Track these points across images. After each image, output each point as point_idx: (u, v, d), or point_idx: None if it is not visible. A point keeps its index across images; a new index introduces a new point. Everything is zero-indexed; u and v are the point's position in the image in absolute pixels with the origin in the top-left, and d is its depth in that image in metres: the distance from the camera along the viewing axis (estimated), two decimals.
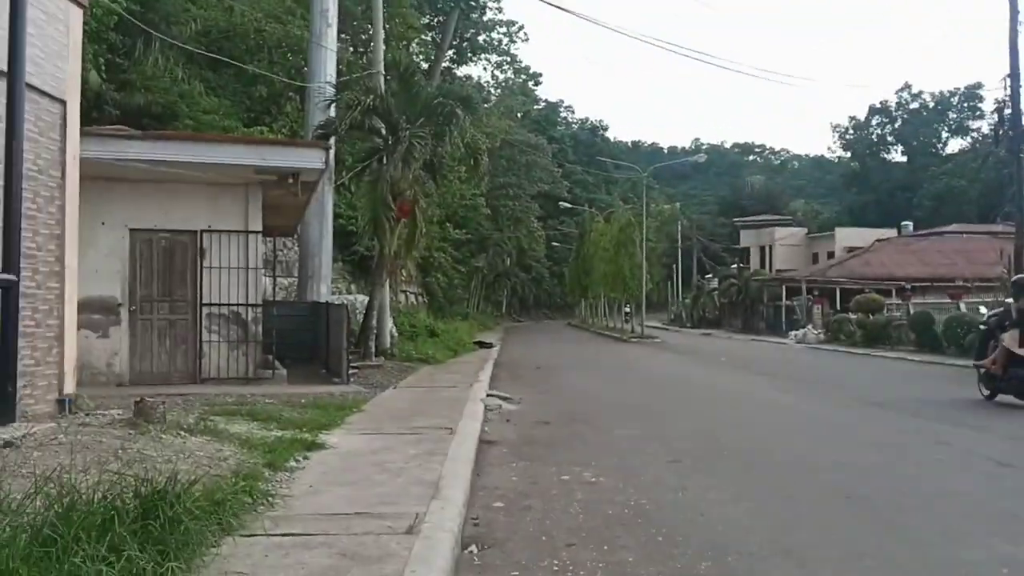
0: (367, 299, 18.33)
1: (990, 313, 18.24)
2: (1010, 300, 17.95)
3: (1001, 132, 24.49)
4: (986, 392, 12.81)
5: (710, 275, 65.66)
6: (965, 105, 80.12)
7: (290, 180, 12.47)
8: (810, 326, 34.81)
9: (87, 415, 7.82)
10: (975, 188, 66.57)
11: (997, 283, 24.39)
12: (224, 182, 12.56)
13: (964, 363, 19.39)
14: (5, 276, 6.63)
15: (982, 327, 17.77)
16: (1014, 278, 17.73)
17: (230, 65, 22.99)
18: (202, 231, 12.54)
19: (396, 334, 20.79)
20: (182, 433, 6.80)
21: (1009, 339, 12.45)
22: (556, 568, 4.68)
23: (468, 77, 55.67)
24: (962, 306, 24.76)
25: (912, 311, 27.35)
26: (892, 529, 5.53)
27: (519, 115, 67.98)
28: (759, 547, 5.07)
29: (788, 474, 7.42)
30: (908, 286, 36.53)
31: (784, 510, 6.03)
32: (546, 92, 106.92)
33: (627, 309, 40.01)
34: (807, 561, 4.81)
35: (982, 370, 13.04)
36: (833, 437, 9.63)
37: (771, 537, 5.28)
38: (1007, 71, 23.14)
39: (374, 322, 17.71)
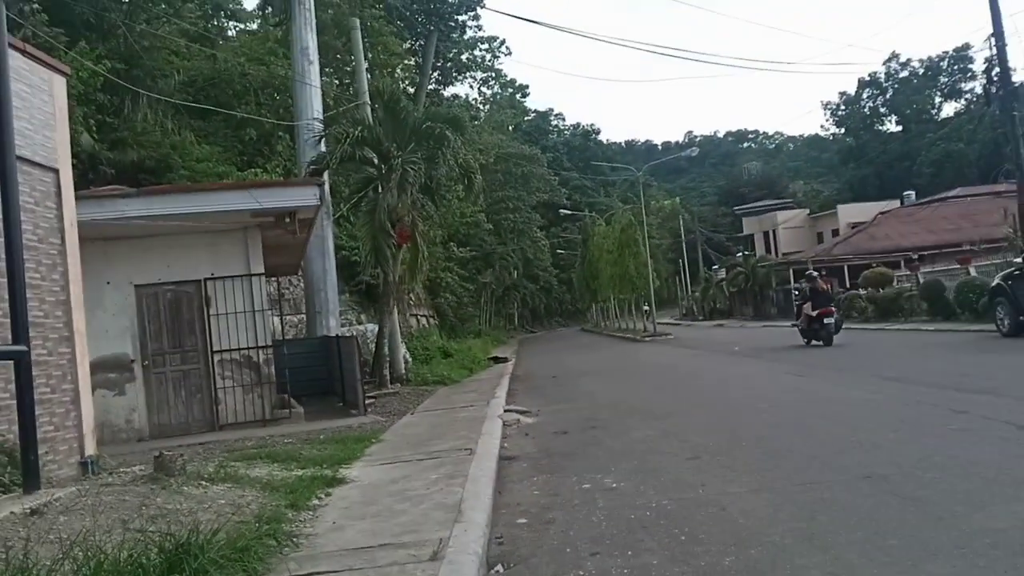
0: (377, 328, 18.42)
1: (1001, 274, 18.30)
2: (1019, 259, 18.05)
3: (992, 92, 24.46)
4: (803, 341, 21.36)
5: (716, 266, 65.64)
6: (955, 68, 79.84)
7: (287, 219, 12.58)
8: None
9: (110, 474, 7.90)
10: (973, 150, 66.35)
11: (1005, 243, 24.34)
12: (222, 228, 12.70)
13: (979, 328, 19.40)
14: (15, 348, 6.73)
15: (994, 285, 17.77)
16: (807, 273, 23.85)
17: (218, 112, 23.22)
18: (205, 279, 12.67)
19: (410, 359, 20.88)
20: (203, 483, 6.86)
21: (807, 308, 21.22)
22: None
23: (455, 97, 56.04)
24: (972, 270, 24.66)
25: (922, 280, 27.27)
26: (914, 504, 5.55)
27: (510, 128, 68.36)
28: (782, 536, 5.10)
29: (807, 460, 7.43)
30: (915, 256, 36.43)
31: (805, 496, 6.05)
32: (535, 102, 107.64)
33: (646, 308, 39.94)
34: (831, 546, 4.83)
35: (798, 327, 21.75)
36: (850, 417, 9.62)
37: (793, 525, 5.31)
38: (992, 30, 23.19)
39: (386, 350, 17.80)
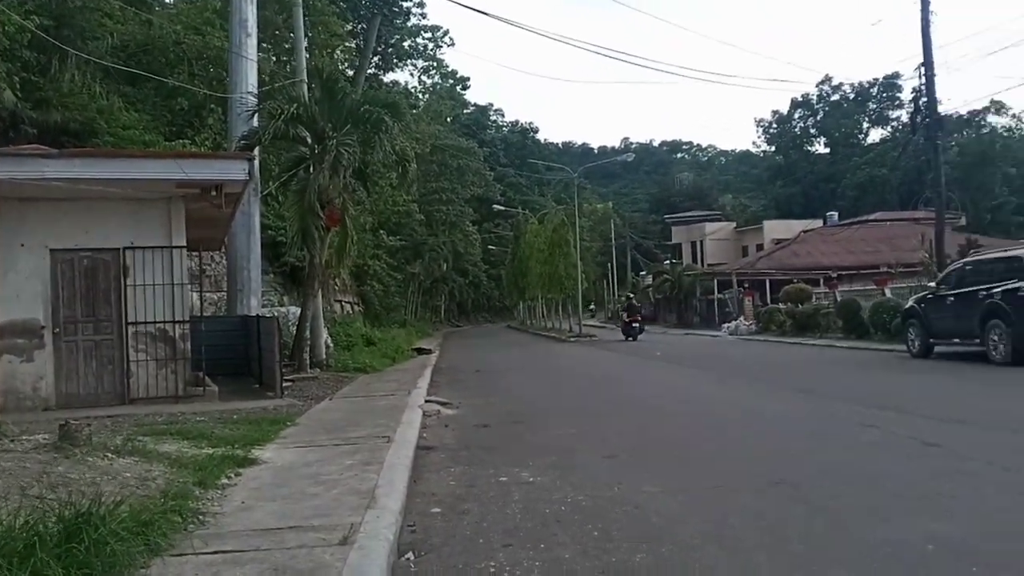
0: (300, 311, 18.11)
1: (915, 297, 18.96)
2: (932, 284, 18.73)
3: (918, 120, 25.33)
4: (623, 337, 32.40)
5: (644, 272, 66.48)
6: (884, 95, 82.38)
7: (213, 193, 12.23)
8: (742, 318, 35.48)
9: (12, 441, 7.55)
10: (896, 176, 68.57)
11: (920, 267, 25.21)
12: (146, 197, 12.29)
13: (890, 347, 20.05)
14: None
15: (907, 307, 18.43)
16: (627, 295, 32.45)
17: (149, 79, 22.49)
18: (124, 248, 12.24)
19: (331, 344, 20.57)
20: (108, 455, 6.62)
21: (624, 316, 33.26)
22: (493, 570, 4.69)
23: (395, 83, 55.47)
24: (887, 292, 25.50)
25: (839, 299, 28.07)
26: (821, 513, 5.67)
27: (448, 119, 68.02)
28: (692, 537, 5.15)
29: (720, 465, 7.54)
30: (834, 274, 37.51)
31: (717, 500, 6.14)
32: (475, 96, 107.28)
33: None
34: (739, 549, 4.90)
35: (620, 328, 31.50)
36: (764, 426, 9.82)
37: (704, 527, 5.37)
38: (922, 59, 23.99)
39: (308, 333, 17.50)
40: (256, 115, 17.61)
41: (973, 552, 4.60)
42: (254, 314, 16.71)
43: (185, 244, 12.61)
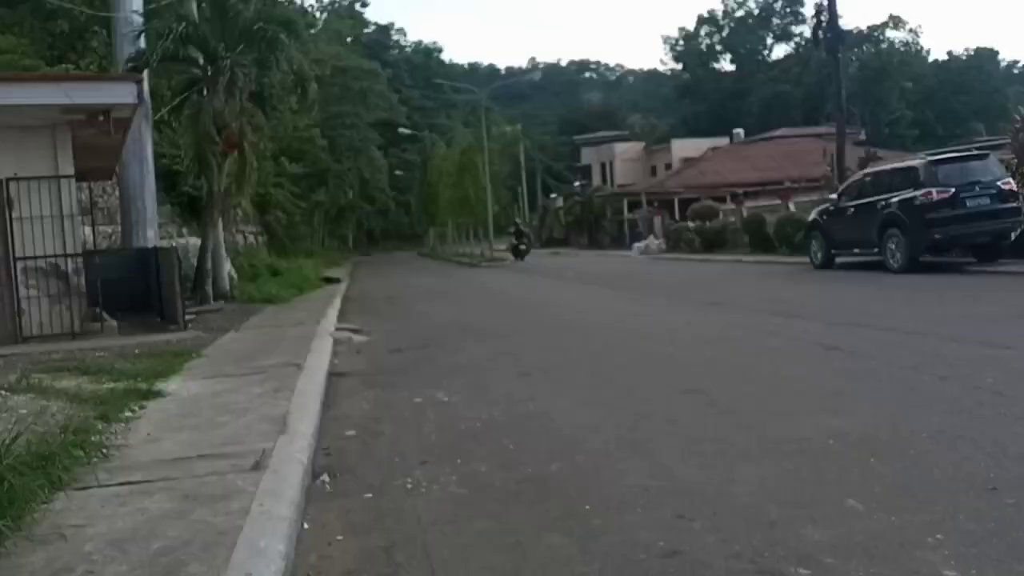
0: (200, 242, 17.52)
1: (817, 210, 19.53)
2: (834, 196, 19.30)
3: (820, 35, 25.71)
4: (513, 259, 36.41)
5: (555, 195, 66.64)
6: (788, 11, 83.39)
7: (101, 118, 11.55)
8: (651, 237, 36.02)
9: None
10: (799, 91, 70.13)
11: (822, 181, 25.92)
12: (29, 124, 11.52)
13: (795, 260, 20.68)
14: None
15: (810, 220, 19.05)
16: (515, 221, 35.00)
17: (25, 0, 21.03)
18: (8, 179, 11.51)
19: (235, 276, 20.02)
20: (2, 392, 6.33)
21: (514, 240, 38.05)
22: (410, 485, 4.68)
23: (290, 0, 53.22)
24: (791, 206, 26.18)
25: (745, 215, 28.72)
26: (729, 415, 5.84)
27: (348, 40, 65.92)
28: (605, 445, 5.24)
29: (632, 377, 7.69)
30: (741, 191, 38.32)
31: (628, 409, 6.25)
32: (375, 15, 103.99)
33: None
34: (651, 452, 5.01)
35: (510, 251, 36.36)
36: (673, 338, 10.04)
37: (617, 435, 5.47)
38: None
39: (209, 265, 16.97)
40: (143, 36, 16.63)
41: (871, 444, 4.80)
42: (152, 246, 16.06)
43: (73, 174, 11.95)
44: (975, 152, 16.98)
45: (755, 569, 3.27)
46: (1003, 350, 7.43)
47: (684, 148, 59.12)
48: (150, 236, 16.50)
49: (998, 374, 6.35)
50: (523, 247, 37.52)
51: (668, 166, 57.70)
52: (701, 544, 3.55)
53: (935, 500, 3.86)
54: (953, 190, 15.04)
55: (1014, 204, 15.15)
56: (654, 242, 34.89)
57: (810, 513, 3.80)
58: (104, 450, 5.06)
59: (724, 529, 3.69)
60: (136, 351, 10.04)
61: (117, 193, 18.20)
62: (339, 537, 3.98)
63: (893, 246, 15.73)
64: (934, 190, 15.12)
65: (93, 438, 5.19)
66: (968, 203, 15.05)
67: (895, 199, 15.78)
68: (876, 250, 16.37)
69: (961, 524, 3.55)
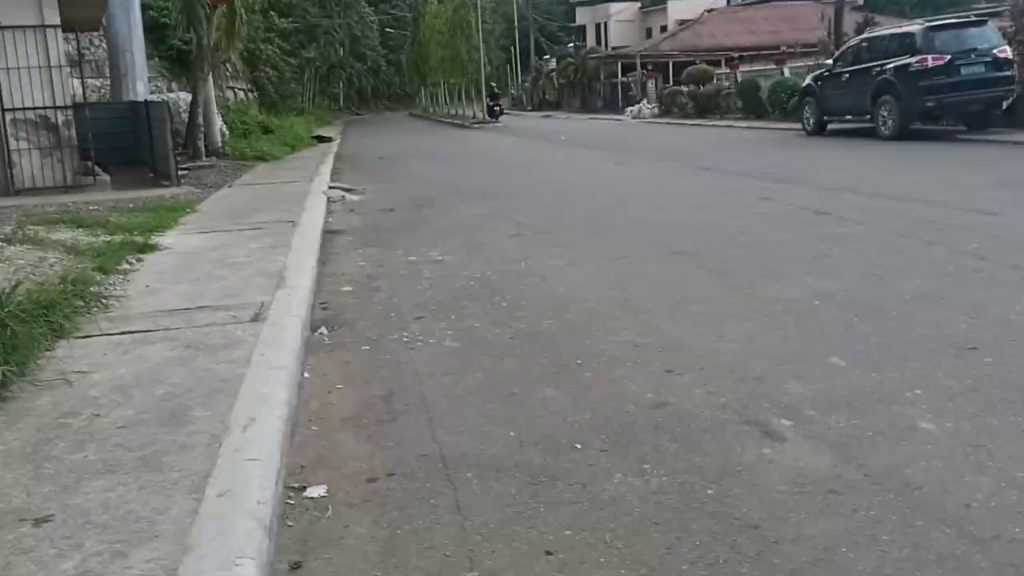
0: (191, 97, 17.17)
1: (811, 75, 19.18)
2: (829, 61, 18.93)
3: None
4: (488, 119, 37.83)
5: (548, 56, 64.92)
6: None
7: None
8: (645, 101, 35.42)
9: None
10: None
11: (819, 47, 25.30)
12: None
13: (787, 126, 20.46)
14: None
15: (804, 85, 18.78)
16: (490, 83, 34.83)
17: None
18: None
19: (227, 132, 19.74)
20: None
21: (488, 101, 38.97)
22: (406, 339, 4.81)
23: None
24: (785, 71, 25.66)
25: (739, 79, 28.18)
26: (718, 276, 5.95)
27: None
28: (597, 303, 5.35)
29: (624, 238, 7.76)
30: (736, 55, 37.40)
31: (620, 269, 6.34)
32: None
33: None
34: (641, 311, 5.13)
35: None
36: (665, 201, 10.07)
37: (608, 294, 5.58)
38: None
39: (200, 120, 16.70)
40: None
41: (855, 304, 4.93)
42: (142, 100, 15.73)
43: (59, 23, 11.57)
44: (973, 19, 16.53)
45: (740, 419, 3.42)
46: (989, 217, 7.50)
47: (680, 9, 57.13)
48: (140, 90, 16.12)
49: (983, 240, 6.44)
50: (496, 108, 38.88)
51: (664, 28, 56.03)
52: (688, 396, 3.69)
53: (915, 358, 4.00)
54: (949, 57, 14.77)
55: (1008, 72, 14.91)
56: (647, 106, 34.33)
57: (794, 369, 3.94)
58: (104, 300, 5.15)
59: (711, 383, 3.83)
60: (130, 205, 10.04)
61: (104, 45, 17.67)
62: (339, 386, 4.12)
63: (885, 113, 15.57)
64: (929, 56, 14.84)
65: (92, 288, 5.27)
66: (963, 71, 14.81)
67: (890, 65, 15.50)
68: (868, 117, 16.20)
69: (939, 381, 3.69)
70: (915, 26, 16.37)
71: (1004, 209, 7.85)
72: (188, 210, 9.65)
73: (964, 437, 3.14)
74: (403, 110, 71.09)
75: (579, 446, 3.26)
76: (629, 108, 35.53)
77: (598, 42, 61.74)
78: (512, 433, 3.41)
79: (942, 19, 17.07)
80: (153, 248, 7.03)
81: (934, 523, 2.56)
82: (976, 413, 3.34)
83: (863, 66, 16.45)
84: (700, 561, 2.43)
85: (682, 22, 51.78)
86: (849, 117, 17.28)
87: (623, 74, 43.45)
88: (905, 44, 15.57)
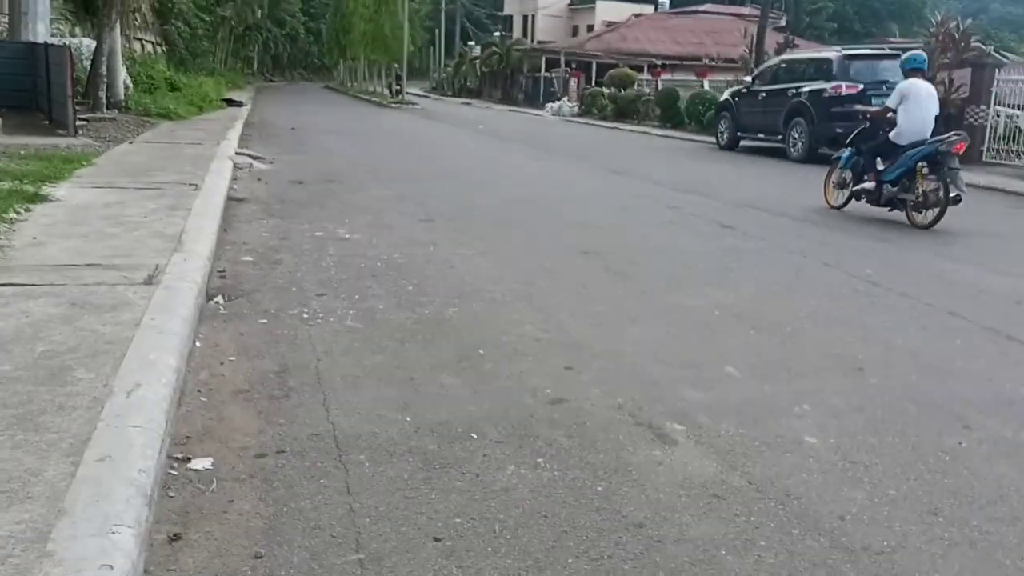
0: (95, 44, 16.39)
1: (730, 91, 19.64)
2: (748, 79, 19.42)
3: None
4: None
5: (473, 43, 64.67)
6: None
7: None
8: (566, 99, 35.65)
9: None
10: None
11: (739, 63, 25.95)
12: None
13: (702, 138, 20.89)
14: None
15: (722, 100, 19.22)
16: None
17: None
18: None
19: (131, 85, 18.94)
20: None
21: (396, 84, 38.20)
22: (306, 315, 4.70)
23: None
24: (705, 84, 26.21)
25: (660, 87, 28.65)
26: (623, 279, 6.02)
27: None
28: (503, 295, 5.35)
29: (534, 233, 7.78)
30: (659, 63, 38.05)
31: (528, 263, 6.36)
32: None
33: (392, 73, 39.34)
34: (545, 307, 5.15)
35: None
36: (576, 200, 10.14)
37: (514, 287, 5.58)
38: None
39: (103, 69, 15.97)
40: None
41: (753, 318, 5.06)
42: (42, 42, 14.94)
43: None
44: (888, 52, 17.22)
45: (634, 421, 3.46)
46: (886, 244, 7.83)
47: (608, 11, 57.83)
48: (40, 31, 15.31)
49: (878, 266, 6.71)
50: (397, 88, 40.28)
51: (590, 27, 56.58)
52: (586, 395, 3.72)
53: (805, 374, 4.14)
54: (862, 86, 15.31)
55: None
56: (568, 104, 34.55)
57: (691, 375, 4.02)
58: None
59: (609, 383, 3.87)
60: (21, 152, 9.53)
61: None
62: (231, 358, 4.00)
63: (796, 135, 16.06)
64: (844, 84, 15.38)
65: None
66: (873, 101, 15.38)
67: (805, 89, 16.00)
68: (780, 137, 16.69)
69: (826, 398, 3.82)
70: (832, 53, 16.94)
71: (900, 238, 8.20)
72: (84, 163, 9.21)
73: (844, 453, 3.26)
74: (319, 82, 69.76)
75: (475, 436, 3.24)
76: (550, 104, 35.69)
77: (524, 34, 61.89)
78: (408, 418, 3.38)
79: (859, 49, 17.70)
80: (43, 199, 6.68)
81: (809, 532, 2.65)
82: (857, 431, 3.47)
83: (780, 87, 16.92)
84: (585, 556, 2.46)
85: (609, 23, 52.41)
86: (761, 136, 17.74)
87: (547, 69, 43.62)
88: (822, 69, 16.08)
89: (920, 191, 8.60)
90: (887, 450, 3.30)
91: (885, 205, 9.05)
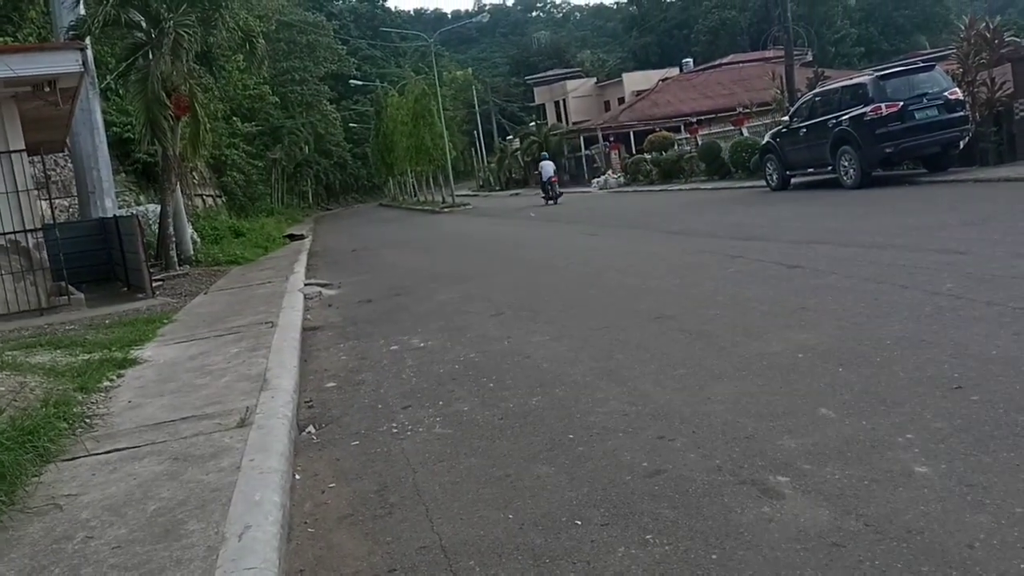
0: (159, 208, 17.28)
1: (770, 133, 19.64)
2: (786, 118, 19.42)
3: None
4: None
5: (511, 136, 66.15)
6: None
7: (47, 89, 11.28)
8: (610, 172, 36.03)
9: None
10: (745, 17, 69.96)
11: (773, 104, 25.99)
12: None
13: (751, 184, 20.84)
14: None
15: (764, 143, 19.19)
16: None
17: None
18: None
19: (198, 239, 19.84)
20: None
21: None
22: (395, 430, 4.78)
23: None
24: (744, 131, 26.27)
25: (700, 143, 28.79)
26: (699, 338, 5.98)
27: None
28: (583, 375, 5.36)
29: (603, 308, 7.80)
30: (694, 120, 38.30)
31: (602, 340, 6.37)
32: None
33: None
34: (627, 379, 5.13)
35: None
36: (640, 268, 10.16)
37: (593, 365, 5.59)
38: None
39: (171, 230, 16.78)
40: (81, 2, 16.17)
41: (838, 355, 4.96)
42: (111, 215, 15.84)
43: (24, 148, 11.69)
44: (921, 64, 17.08)
45: (736, 480, 3.41)
46: (958, 256, 7.63)
47: (635, 81, 58.85)
48: (108, 205, 16.24)
49: (956, 279, 6.54)
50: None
51: (621, 100, 57.46)
52: (683, 461, 3.68)
53: (903, 402, 4.03)
54: (901, 103, 15.19)
55: (961, 113, 15.35)
56: (613, 176, 34.91)
57: (785, 424, 3.95)
58: (87, 420, 5.10)
59: (704, 445, 3.83)
60: (106, 321, 10.00)
61: (70, 165, 17.85)
62: (331, 484, 4.07)
63: (846, 163, 15.93)
64: (883, 104, 15.26)
65: (75, 409, 5.22)
66: (917, 115, 15.22)
67: (845, 116, 15.93)
68: (830, 168, 16.56)
69: (929, 423, 3.71)
70: (865, 77, 16.88)
71: (971, 247, 8.00)
72: (165, 321, 9.62)
73: (959, 477, 3.15)
74: (373, 201, 71.88)
75: (579, 522, 3.23)
76: (595, 179, 36.13)
77: (559, 118, 63.15)
78: (511, 516, 3.38)
79: (890, 68, 17.60)
80: (132, 362, 6.98)
81: (940, 567, 2.56)
82: (968, 452, 3.36)
83: (819, 119, 16.88)
84: None
85: (638, 92, 53.16)
86: (811, 170, 17.64)
87: (586, 147, 44.30)
88: (858, 94, 16.01)
89: None
90: (1003, 467, 3.18)
91: None
